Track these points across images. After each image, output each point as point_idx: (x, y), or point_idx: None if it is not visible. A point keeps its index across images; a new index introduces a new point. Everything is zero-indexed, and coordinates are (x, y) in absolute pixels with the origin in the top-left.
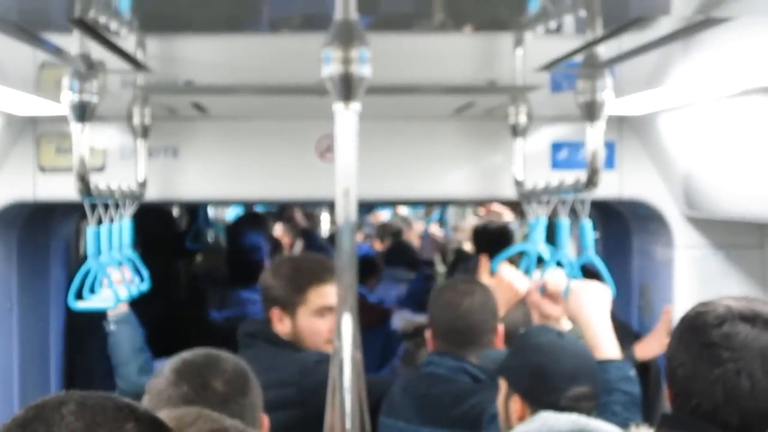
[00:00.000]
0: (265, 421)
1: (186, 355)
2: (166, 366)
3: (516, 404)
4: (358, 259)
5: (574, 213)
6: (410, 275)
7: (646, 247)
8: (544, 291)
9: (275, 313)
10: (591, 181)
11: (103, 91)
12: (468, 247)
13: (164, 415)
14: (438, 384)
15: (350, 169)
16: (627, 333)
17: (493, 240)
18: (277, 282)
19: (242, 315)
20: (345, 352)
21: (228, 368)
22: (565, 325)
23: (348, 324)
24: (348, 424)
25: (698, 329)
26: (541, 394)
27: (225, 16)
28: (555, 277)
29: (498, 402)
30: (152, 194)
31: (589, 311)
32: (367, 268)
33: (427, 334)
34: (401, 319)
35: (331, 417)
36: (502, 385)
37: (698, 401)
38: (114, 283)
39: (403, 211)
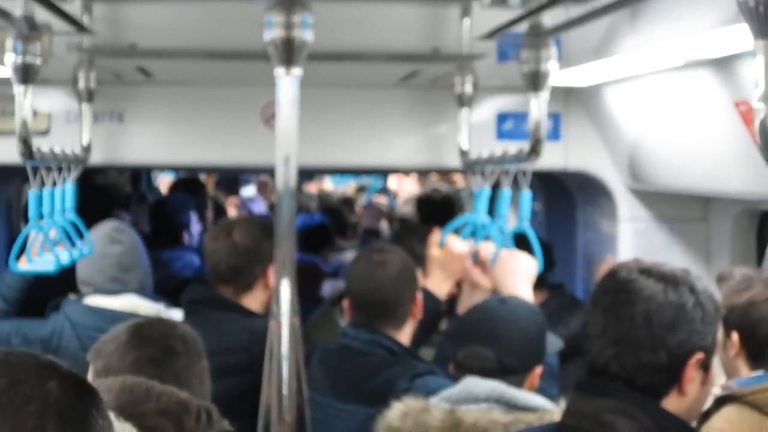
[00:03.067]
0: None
1: (139, 321)
2: (121, 331)
3: (451, 364)
4: (314, 228)
5: (516, 183)
6: (350, 244)
7: (591, 219)
8: (476, 259)
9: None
10: (534, 151)
11: (47, 53)
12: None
13: (113, 382)
14: (352, 357)
15: (291, 136)
16: (574, 305)
17: (437, 209)
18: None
19: (167, 276)
20: (283, 318)
21: (183, 332)
22: None
23: (286, 290)
24: (285, 390)
25: (599, 284)
26: (453, 349)
27: None
28: (487, 247)
29: None
30: (97, 158)
31: (513, 279)
32: (322, 236)
33: (345, 303)
34: (331, 287)
35: (269, 383)
36: None
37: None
38: (55, 247)
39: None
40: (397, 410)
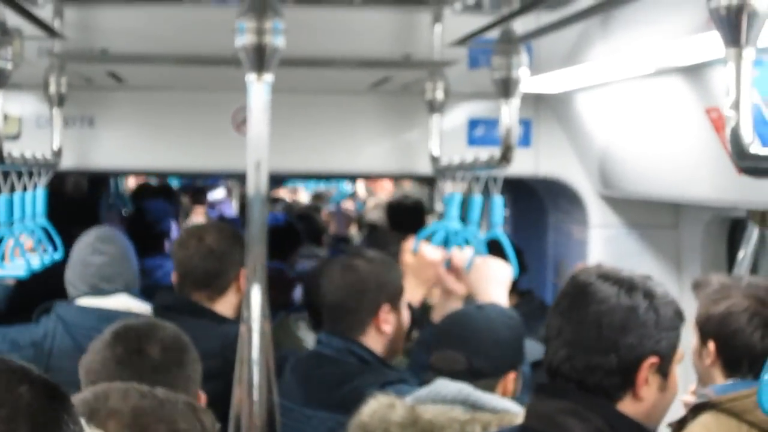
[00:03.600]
0: (202, 397)
1: (129, 320)
2: (108, 328)
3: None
4: (280, 228)
5: (487, 189)
6: (323, 251)
7: (561, 226)
8: (449, 266)
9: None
10: (505, 158)
11: (19, 58)
12: (380, 220)
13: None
14: (324, 365)
15: (262, 141)
16: (543, 310)
17: (406, 216)
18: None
19: (149, 285)
20: (254, 323)
21: (166, 337)
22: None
23: (257, 295)
24: (255, 396)
25: (562, 287)
26: (425, 354)
27: None
28: (461, 253)
29: None
30: (68, 163)
31: (488, 286)
32: (290, 239)
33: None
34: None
35: (239, 389)
36: None
37: (549, 361)
38: (26, 252)
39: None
40: (369, 407)
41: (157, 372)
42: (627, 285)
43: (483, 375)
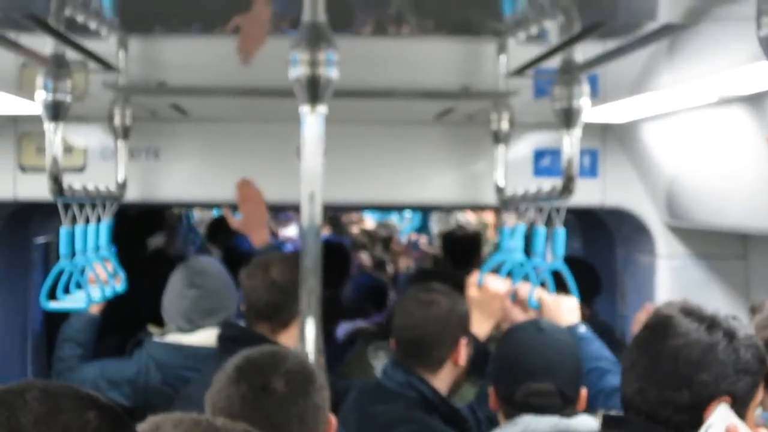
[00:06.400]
0: (333, 421)
1: (252, 352)
2: (231, 362)
3: (491, 396)
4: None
5: (552, 220)
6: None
7: (629, 256)
8: (515, 298)
9: None
10: (566, 189)
11: (82, 91)
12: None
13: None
14: (384, 400)
15: (316, 173)
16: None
17: (462, 246)
18: None
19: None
20: (309, 356)
21: (291, 369)
22: None
23: (311, 329)
24: None
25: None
26: (503, 387)
27: (204, 18)
28: (526, 286)
29: None
30: (133, 195)
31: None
32: (378, 297)
33: (392, 341)
34: (345, 329)
35: None
36: None
37: (623, 393)
38: (87, 284)
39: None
40: None
41: (283, 407)
42: (709, 322)
43: (571, 401)
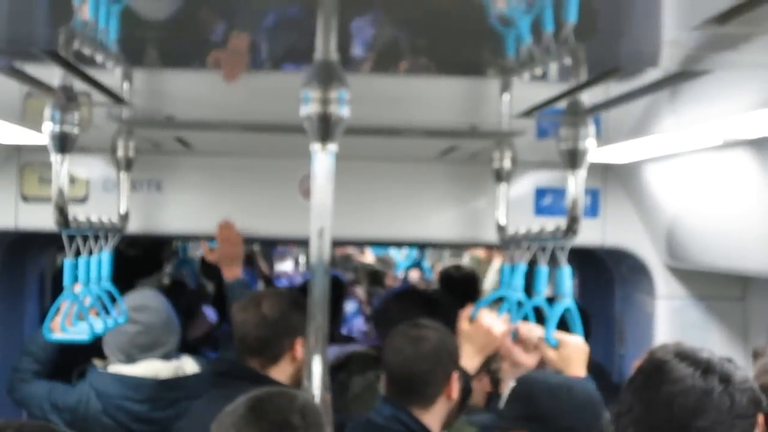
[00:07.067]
0: None
1: (259, 393)
2: (240, 403)
3: None
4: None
5: (553, 259)
6: None
7: (628, 296)
8: (516, 338)
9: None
10: (571, 229)
11: (87, 123)
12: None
13: None
14: None
15: (325, 209)
16: (605, 380)
17: (460, 284)
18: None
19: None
20: (315, 393)
21: (303, 404)
22: None
23: (318, 365)
24: None
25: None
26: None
27: (203, 52)
28: (527, 325)
29: None
30: (135, 227)
31: (576, 365)
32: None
33: (383, 378)
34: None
35: None
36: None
37: None
38: (89, 316)
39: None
40: None
41: None
42: (704, 367)
43: None
